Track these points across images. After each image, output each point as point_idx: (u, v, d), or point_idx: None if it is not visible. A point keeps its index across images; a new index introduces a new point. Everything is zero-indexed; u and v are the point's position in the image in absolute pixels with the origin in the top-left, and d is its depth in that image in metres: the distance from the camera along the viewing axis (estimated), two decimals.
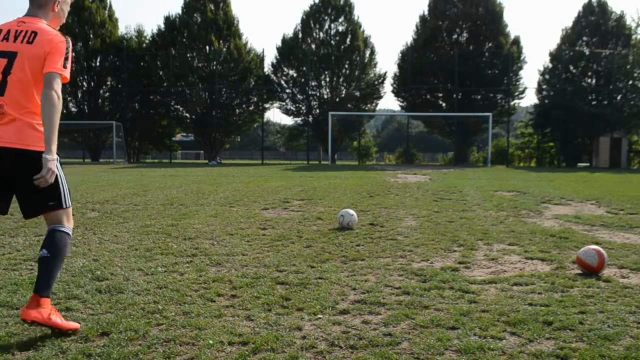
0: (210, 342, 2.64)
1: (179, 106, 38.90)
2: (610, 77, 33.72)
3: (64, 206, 2.80)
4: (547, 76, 36.25)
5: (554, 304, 3.29)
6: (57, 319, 2.70)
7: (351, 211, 6.33)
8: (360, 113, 37.36)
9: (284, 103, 38.85)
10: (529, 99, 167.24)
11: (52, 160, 2.57)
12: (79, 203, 8.46)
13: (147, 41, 40.11)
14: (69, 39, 2.75)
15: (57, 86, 2.60)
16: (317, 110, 38.31)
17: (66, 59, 2.67)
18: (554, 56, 35.79)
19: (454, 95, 36.13)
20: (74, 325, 2.78)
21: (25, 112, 2.63)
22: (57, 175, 2.68)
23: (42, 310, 2.62)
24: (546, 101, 35.79)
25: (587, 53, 34.71)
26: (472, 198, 9.80)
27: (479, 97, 36.69)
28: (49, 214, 2.78)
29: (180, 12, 38.73)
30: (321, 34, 38.19)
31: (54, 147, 2.58)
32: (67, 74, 2.67)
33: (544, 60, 68.63)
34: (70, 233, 2.87)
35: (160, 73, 37.92)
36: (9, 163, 2.60)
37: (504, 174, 19.84)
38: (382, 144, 68.58)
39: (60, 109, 2.62)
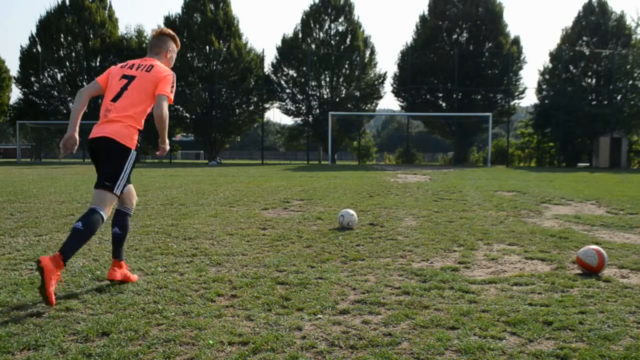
0: (210, 342, 2.64)
1: (179, 106, 38.92)
2: (610, 77, 33.73)
3: (113, 191, 3.49)
4: (547, 76, 36.27)
5: (554, 304, 3.29)
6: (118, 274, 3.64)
7: (351, 211, 6.32)
8: (360, 113, 37.36)
9: (284, 103, 38.87)
10: (529, 99, 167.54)
11: (166, 146, 3.70)
12: (78, 203, 8.46)
13: (147, 41, 40.10)
14: (174, 74, 3.70)
15: (165, 105, 3.54)
16: (317, 110, 38.31)
17: (172, 87, 3.63)
18: (554, 56, 35.80)
19: (454, 95, 36.15)
20: (134, 277, 3.76)
21: (124, 116, 3.50)
22: (122, 166, 3.49)
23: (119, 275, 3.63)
24: (546, 101, 35.80)
25: (587, 53, 34.72)
26: (472, 198, 9.80)
27: (479, 97, 36.71)
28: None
29: (180, 12, 38.79)
30: (321, 34, 38.21)
31: (166, 140, 3.67)
32: (172, 97, 3.61)
33: (544, 60, 68.66)
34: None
35: None
36: (104, 147, 3.48)
37: (504, 174, 19.84)
38: (382, 144, 68.59)
39: (167, 121, 3.58)
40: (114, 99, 3.53)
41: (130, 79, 3.58)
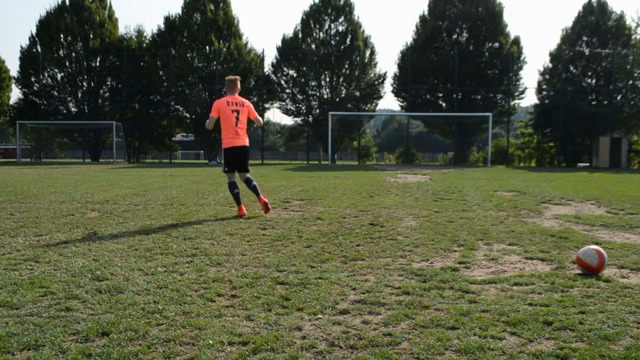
0: (210, 342, 2.64)
1: (179, 106, 38.91)
2: (610, 77, 33.72)
3: (248, 170, 7.48)
4: (547, 76, 36.26)
5: (554, 304, 3.29)
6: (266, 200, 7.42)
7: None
8: (360, 113, 37.35)
9: (284, 103, 38.85)
10: (529, 99, 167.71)
11: (261, 122, 7.76)
12: (78, 203, 8.46)
13: (147, 41, 40.10)
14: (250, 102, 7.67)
15: (259, 118, 7.51)
16: (317, 110, 38.30)
17: (255, 110, 7.56)
18: (554, 56, 35.79)
19: (454, 95, 36.14)
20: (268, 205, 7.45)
21: (244, 131, 7.38)
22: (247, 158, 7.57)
23: (264, 201, 7.33)
24: (546, 101, 35.79)
25: (587, 53, 34.72)
26: (472, 198, 9.80)
27: (479, 97, 36.70)
28: (242, 173, 7.44)
29: (180, 12, 38.76)
30: (321, 34, 38.21)
31: (260, 120, 7.61)
32: (256, 114, 7.55)
33: (544, 60, 68.68)
34: (251, 177, 7.45)
35: (160, 73, 37.92)
36: (241, 151, 7.38)
37: (504, 174, 19.84)
38: (382, 144, 68.60)
39: (262, 120, 7.78)
40: (236, 124, 7.21)
41: (237, 112, 7.23)
